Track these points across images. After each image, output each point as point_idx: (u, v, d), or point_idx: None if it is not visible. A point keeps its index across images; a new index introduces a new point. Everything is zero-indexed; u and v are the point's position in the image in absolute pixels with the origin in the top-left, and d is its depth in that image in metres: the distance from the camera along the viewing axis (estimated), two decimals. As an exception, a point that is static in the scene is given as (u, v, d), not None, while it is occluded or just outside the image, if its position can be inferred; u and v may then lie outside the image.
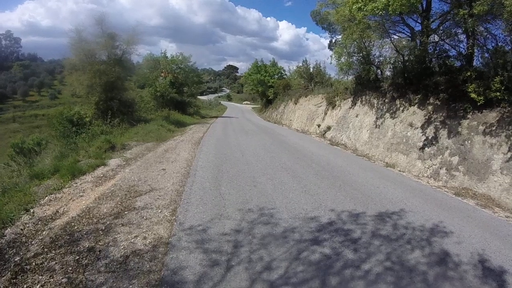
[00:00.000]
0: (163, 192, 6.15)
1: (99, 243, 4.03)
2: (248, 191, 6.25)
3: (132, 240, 4.10)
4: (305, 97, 23.42)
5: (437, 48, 10.32)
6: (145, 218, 4.84)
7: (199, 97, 46.56)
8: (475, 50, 9.04)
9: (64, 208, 5.35)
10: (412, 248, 4.10)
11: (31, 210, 5.24)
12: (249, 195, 6.00)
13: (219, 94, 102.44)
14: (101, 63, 16.87)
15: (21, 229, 4.53)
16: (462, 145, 8.14)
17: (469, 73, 8.32)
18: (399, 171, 9.38)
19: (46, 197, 5.90)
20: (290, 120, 25.18)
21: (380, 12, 8.69)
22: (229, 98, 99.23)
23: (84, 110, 16.05)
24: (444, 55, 10.08)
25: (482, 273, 3.64)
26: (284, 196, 6.03)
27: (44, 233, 4.40)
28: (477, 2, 7.76)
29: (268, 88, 39.16)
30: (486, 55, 8.83)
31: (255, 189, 6.39)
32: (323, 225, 4.70)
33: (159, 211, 5.14)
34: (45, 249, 3.87)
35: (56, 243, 4.03)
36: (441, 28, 10.43)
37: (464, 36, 9.38)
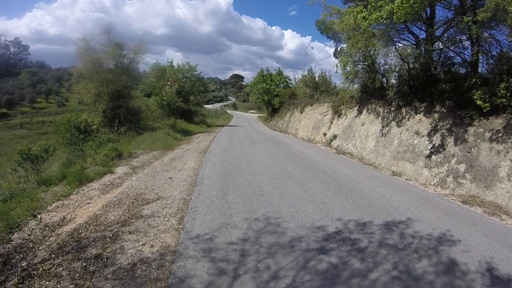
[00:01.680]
0: (170, 200, 6.18)
1: (107, 250, 4.05)
2: (255, 200, 6.25)
3: (139, 248, 4.12)
4: (311, 106, 23.45)
5: (442, 56, 10.32)
6: (152, 226, 4.87)
7: (205, 106, 46.79)
8: (480, 57, 9.03)
9: (71, 215, 5.40)
10: (419, 257, 4.06)
11: (39, 216, 5.29)
12: (255, 204, 6.00)
13: (225, 103, 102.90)
14: (108, 72, 17.11)
15: (28, 235, 4.57)
16: (469, 152, 8.08)
17: (474, 80, 8.32)
18: (406, 179, 9.32)
19: (54, 204, 5.96)
20: (296, 129, 25.19)
21: (385, 21, 8.75)
22: (235, 107, 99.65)
23: (91, 118, 16.24)
24: (449, 62, 10.08)
25: (490, 281, 3.60)
26: (290, 205, 6.02)
27: (51, 239, 4.44)
28: (481, 9, 7.79)
29: (274, 97, 39.24)
30: (491, 61, 8.83)
31: (261, 198, 6.40)
32: (330, 234, 4.69)
33: (166, 219, 5.16)
34: (52, 255, 3.90)
35: (64, 249, 4.06)
36: (445, 35, 10.48)
37: (469, 43, 9.40)
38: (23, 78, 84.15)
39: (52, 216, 5.35)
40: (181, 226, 4.88)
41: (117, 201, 6.02)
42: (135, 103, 19.46)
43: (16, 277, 3.47)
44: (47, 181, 7.40)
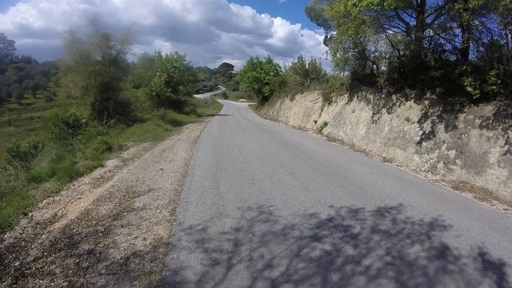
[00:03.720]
0: (161, 192, 6.13)
1: (99, 245, 4.02)
2: (247, 189, 6.25)
3: (132, 242, 4.09)
4: (301, 93, 23.38)
5: (433, 43, 10.33)
6: (144, 219, 4.83)
7: (195, 95, 46.36)
8: (471, 44, 9.05)
9: (62, 211, 5.33)
10: (411, 243, 4.12)
11: (30, 214, 5.22)
12: (248, 193, 6.00)
13: (215, 92, 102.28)
14: (95, 64, 16.77)
15: (20, 233, 4.51)
16: (459, 139, 8.17)
17: (465, 67, 8.34)
18: (397, 165, 9.40)
19: (44, 200, 5.88)
20: (287, 117, 25.16)
21: (375, 7, 8.68)
22: (225, 96, 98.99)
23: (80, 112, 15.99)
24: (440, 49, 10.09)
25: (482, 266, 3.67)
26: (283, 193, 6.03)
27: (43, 236, 4.38)
28: None
29: (264, 85, 39.04)
30: (482, 49, 8.85)
31: (253, 187, 6.39)
32: (322, 221, 4.71)
33: (158, 211, 5.13)
34: (45, 253, 3.86)
35: (56, 246, 4.02)
36: (436, 22, 10.43)
37: (459, 31, 9.39)
38: (9, 74, 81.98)
39: (43, 213, 5.29)
40: (173, 217, 4.85)
41: (108, 195, 5.95)
42: (124, 94, 19.18)
43: (9, 277, 3.42)
44: (37, 178, 7.30)
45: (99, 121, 15.25)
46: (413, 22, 11.39)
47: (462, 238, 4.34)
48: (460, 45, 9.24)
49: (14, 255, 3.92)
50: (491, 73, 7.52)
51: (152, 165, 8.47)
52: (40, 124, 32.82)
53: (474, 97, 7.93)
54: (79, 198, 5.99)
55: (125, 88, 20.33)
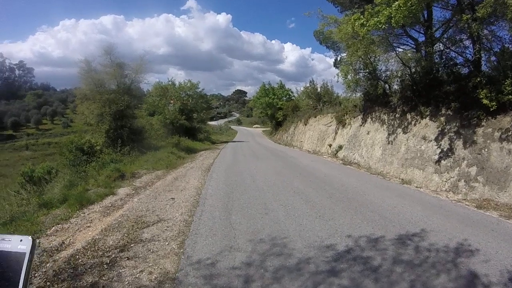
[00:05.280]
0: (171, 222, 5.94)
1: (103, 277, 3.83)
2: (260, 220, 5.98)
3: (137, 275, 3.88)
4: (314, 117, 23.31)
5: (444, 57, 10.18)
6: (151, 251, 4.63)
7: (209, 122, 46.93)
8: (482, 54, 8.86)
9: (70, 239, 5.21)
10: (437, 273, 3.75)
11: (37, 241, 5.10)
12: (260, 224, 5.73)
13: (229, 119, 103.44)
14: (110, 92, 17.22)
15: (27, 260, 4.38)
16: (479, 154, 7.82)
17: (478, 79, 8.15)
18: (416, 187, 9.00)
19: (53, 227, 5.79)
20: (301, 141, 24.98)
21: (383, 25, 8.63)
22: (239, 122, 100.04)
23: (95, 139, 16.22)
24: (451, 63, 9.93)
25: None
26: (297, 223, 5.72)
27: (48, 265, 4.23)
28: (480, 5, 7.64)
29: (277, 110, 39.29)
30: (493, 58, 8.65)
31: (266, 217, 6.12)
32: (340, 253, 4.37)
33: (167, 243, 4.92)
34: (48, 283, 3.71)
35: (59, 276, 3.86)
36: (445, 36, 10.34)
37: (469, 42, 9.24)
38: (28, 100, 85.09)
39: (51, 241, 5.17)
40: (181, 250, 4.62)
41: (117, 225, 5.81)
42: (139, 122, 19.51)
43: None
44: (48, 204, 7.26)
45: (113, 148, 15.41)
46: (421, 38, 11.33)
47: (490, 263, 4.00)
48: (472, 56, 9.06)
49: (17, 284, 3.76)
50: (506, 83, 7.31)
51: (163, 194, 8.34)
52: (56, 150, 33.64)
53: (491, 109, 7.69)
54: (88, 226, 5.87)
55: (140, 116, 20.73)
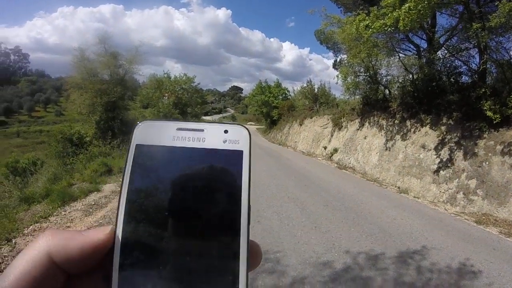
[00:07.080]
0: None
1: None
2: (251, 229, 5.66)
3: None
4: (310, 118, 23.01)
5: (447, 65, 9.96)
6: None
7: (203, 117, 46.54)
8: (488, 65, 8.66)
9: (47, 241, 4.87)
10: (442, 297, 3.52)
11: (13, 241, 4.80)
12: (252, 234, 5.36)
13: (224, 115, 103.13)
14: (102, 82, 16.82)
15: None
16: (480, 167, 7.64)
17: (483, 90, 7.92)
18: (414, 197, 8.78)
19: (31, 226, 5.43)
20: (295, 141, 24.70)
21: (389, 28, 8.37)
22: (233, 118, 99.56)
23: (85, 130, 15.85)
24: (455, 72, 9.70)
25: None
26: (292, 234, 5.38)
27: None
28: (493, 15, 7.39)
29: (273, 109, 38.94)
30: (500, 69, 8.46)
31: (259, 226, 5.77)
32: (337, 272, 4.06)
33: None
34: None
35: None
36: (448, 43, 10.13)
37: (475, 51, 9.04)
38: (22, 86, 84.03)
39: (27, 241, 4.81)
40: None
41: (98, 226, 5.46)
42: (131, 114, 19.09)
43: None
44: (30, 198, 6.88)
45: (103, 141, 14.94)
46: (423, 44, 11.12)
47: (493, 286, 3.84)
48: (478, 66, 8.83)
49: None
50: (511, 95, 7.06)
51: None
52: (47, 138, 33.05)
53: (494, 122, 7.51)
54: (68, 227, 5.52)
55: (133, 107, 20.28)
